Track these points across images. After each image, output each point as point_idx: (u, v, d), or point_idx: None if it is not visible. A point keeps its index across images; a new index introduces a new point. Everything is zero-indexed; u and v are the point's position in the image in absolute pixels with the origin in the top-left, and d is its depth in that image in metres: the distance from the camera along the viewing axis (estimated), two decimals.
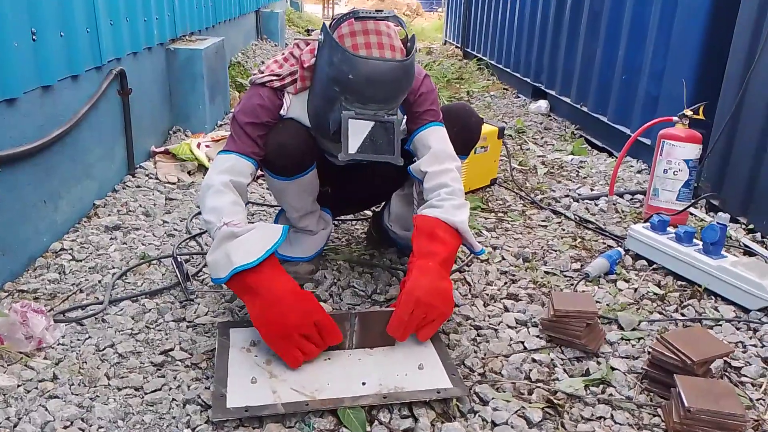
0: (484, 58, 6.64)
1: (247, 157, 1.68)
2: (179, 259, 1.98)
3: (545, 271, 2.13)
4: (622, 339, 1.72)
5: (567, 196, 2.90)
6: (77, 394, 1.41)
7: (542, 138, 4.07)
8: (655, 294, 1.99)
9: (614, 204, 2.76)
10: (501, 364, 1.59)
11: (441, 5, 15.27)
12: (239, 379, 1.42)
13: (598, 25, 3.95)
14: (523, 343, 1.69)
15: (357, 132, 1.54)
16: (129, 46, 2.83)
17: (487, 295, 1.96)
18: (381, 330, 1.55)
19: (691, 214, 2.65)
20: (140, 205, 2.54)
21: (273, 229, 1.53)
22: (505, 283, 2.05)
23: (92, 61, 2.43)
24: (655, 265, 2.17)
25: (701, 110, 2.49)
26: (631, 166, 3.39)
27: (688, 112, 2.50)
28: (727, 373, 1.59)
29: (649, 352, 1.56)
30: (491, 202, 2.82)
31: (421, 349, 1.57)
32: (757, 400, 1.49)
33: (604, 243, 2.39)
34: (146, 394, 1.42)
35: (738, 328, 1.81)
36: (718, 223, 2.02)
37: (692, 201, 2.55)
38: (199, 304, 1.80)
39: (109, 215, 2.42)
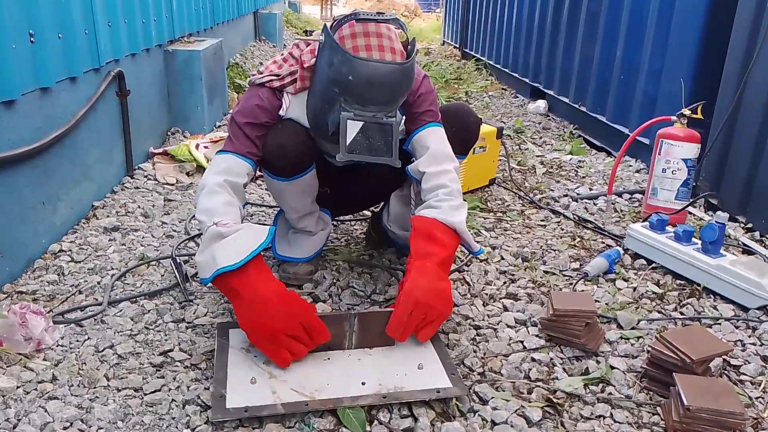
0: (482, 58, 6.64)
1: (244, 157, 1.68)
2: (178, 260, 1.98)
3: (544, 271, 2.14)
4: (621, 338, 1.72)
5: (566, 195, 2.90)
6: (77, 395, 1.41)
7: (541, 138, 4.07)
8: (654, 293, 2.00)
9: (613, 203, 2.77)
10: (500, 364, 1.59)
11: (439, 6, 15.29)
12: (239, 379, 1.42)
13: (596, 24, 3.96)
14: (522, 342, 1.69)
15: (355, 133, 1.54)
16: (127, 47, 2.83)
17: (487, 294, 1.96)
18: (380, 330, 1.55)
19: (690, 213, 2.65)
20: (139, 207, 2.54)
21: (260, 231, 1.51)
22: (505, 282, 2.05)
23: (90, 62, 2.43)
24: (654, 264, 2.17)
25: (699, 109, 2.49)
26: (630, 166, 3.39)
27: (687, 112, 2.51)
28: (726, 372, 1.59)
29: (648, 351, 1.57)
30: (490, 202, 2.82)
31: (420, 349, 1.57)
32: (756, 398, 1.50)
33: (603, 242, 2.40)
34: (146, 394, 1.42)
35: (737, 327, 1.81)
36: (716, 222, 2.02)
37: (691, 200, 2.55)
38: (198, 305, 1.80)
39: (108, 216, 2.42)
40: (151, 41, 3.16)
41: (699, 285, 2.01)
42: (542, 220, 2.62)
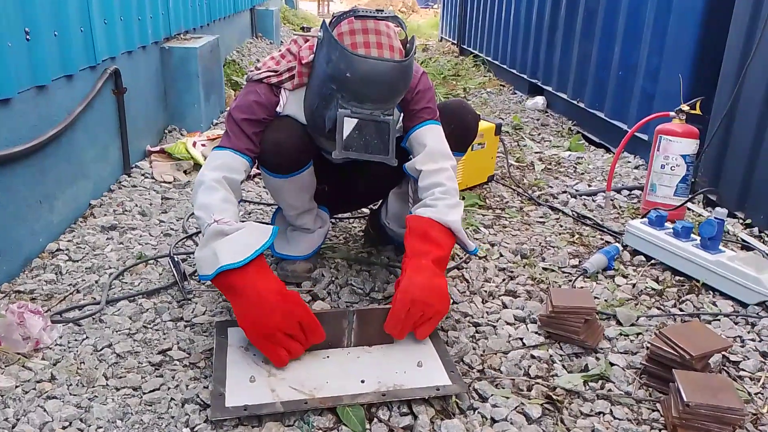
0: (480, 54, 6.63)
1: (241, 153, 1.68)
2: (176, 259, 1.97)
3: (543, 268, 2.13)
4: (620, 334, 1.72)
5: (564, 192, 2.90)
6: (75, 395, 1.40)
7: (539, 134, 4.07)
8: (653, 289, 2.00)
9: (612, 200, 2.77)
10: (500, 361, 1.59)
11: (436, 2, 15.26)
12: (238, 378, 1.42)
13: (594, 20, 3.95)
14: (521, 339, 1.69)
15: (351, 130, 1.54)
16: (123, 45, 2.81)
17: (486, 291, 1.96)
18: (379, 327, 1.55)
19: (689, 209, 2.65)
20: (136, 205, 2.53)
21: (262, 230, 1.51)
22: (504, 279, 2.05)
23: (86, 60, 2.42)
24: (653, 261, 2.17)
25: (698, 105, 2.49)
26: (629, 162, 3.39)
27: (685, 108, 2.51)
28: (725, 368, 1.60)
29: (647, 348, 1.57)
30: (489, 199, 2.82)
31: (419, 347, 1.57)
32: (756, 394, 1.50)
33: (602, 239, 2.39)
34: (145, 393, 1.42)
35: (736, 323, 1.81)
36: (715, 218, 2.02)
37: (690, 196, 2.55)
38: (196, 304, 1.80)
39: (105, 215, 2.41)
40: (148, 38, 3.14)
41: (698, 281, 2.01)
42: (541, 217, 2.62)
